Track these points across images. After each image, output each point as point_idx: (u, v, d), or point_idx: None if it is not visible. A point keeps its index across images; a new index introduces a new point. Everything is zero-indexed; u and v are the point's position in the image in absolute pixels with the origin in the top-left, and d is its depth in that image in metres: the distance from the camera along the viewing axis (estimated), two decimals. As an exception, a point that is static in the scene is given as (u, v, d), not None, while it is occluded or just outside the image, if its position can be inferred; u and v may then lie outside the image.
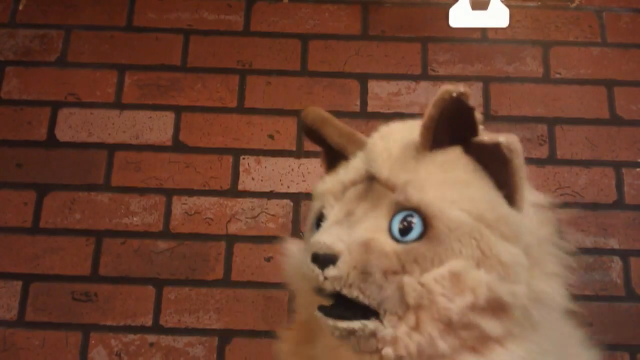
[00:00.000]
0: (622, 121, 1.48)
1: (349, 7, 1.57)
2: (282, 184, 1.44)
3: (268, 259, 1.39)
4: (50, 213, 1.42)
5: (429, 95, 1.50)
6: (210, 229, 1.41)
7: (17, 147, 1.46)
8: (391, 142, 0.70)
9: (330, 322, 0.64)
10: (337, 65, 1.52)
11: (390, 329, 0.63)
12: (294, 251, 0.77)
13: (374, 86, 1.51)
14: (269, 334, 1.30)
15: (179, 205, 1.43)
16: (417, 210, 0.64)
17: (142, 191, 1.44)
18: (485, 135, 0.67)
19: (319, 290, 0.65)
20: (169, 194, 1.44)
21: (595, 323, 1.36)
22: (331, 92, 1.50)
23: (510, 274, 0.63)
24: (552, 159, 1.46)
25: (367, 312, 0.63)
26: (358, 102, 1.49)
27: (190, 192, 1.44)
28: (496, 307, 0.63)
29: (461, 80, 1.51)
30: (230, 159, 1.46)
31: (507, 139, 0.65)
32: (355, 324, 0.63)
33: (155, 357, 1.34)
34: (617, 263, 1.39)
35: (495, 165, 0.66)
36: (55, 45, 1.54)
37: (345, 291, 0.63)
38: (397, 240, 0.64)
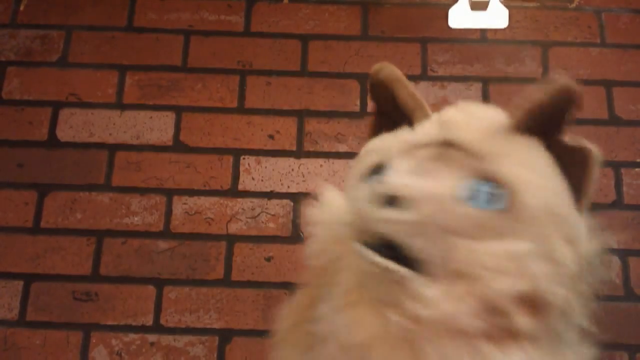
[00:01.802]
0: (621, 121, 1.49)
1: (349, 7, 1.58)
2: (282, 184, 1.45)
3: (268, 259, 1.40)
4: (51, 213, 1.42)
5: (429, 96, 1.50)
6: (211, 229, 1.42)
7: (18, 147, 1.47)
8: (472, 117, 0.69)
9: (371, 254, 0.60)
10: (337, 65, 1.53)
11: (423, 287, 0.59)
12: (332, 199, 0.72)
13: (373, 86, 1.51)
14: (269, 334, 1.30)
15: (180, 205, 1.43)
16: (498, 181, 0.61)
17: (142, 191, 1.44)
18: (569, 137, 0.66)
19: (365, 232, 0.61)
20: (169, 194, 1.44)
21: (594, 323, 1.36)
22: (331, 92, 1.50)
23: (563, 277, 0.62)
24: (551, 159, 1.46)
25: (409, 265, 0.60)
26: (358, 102, 1.50)
27: (191, 192, 1.44)
28: (536, 305, 0.60)
29: (460, 80, 1.51)
30: (231, 159, 1.46)
31: (594, 147, 0.65)
32: (394, 265, 0.59)
33: (155, 357, 1.34)
34: (616, 263, 1.39)
35: (573, 168, 0.66)
36: (56, 46, 1.54)
37: (404, 239, 0.59)
38: (468, 205, 0.61)
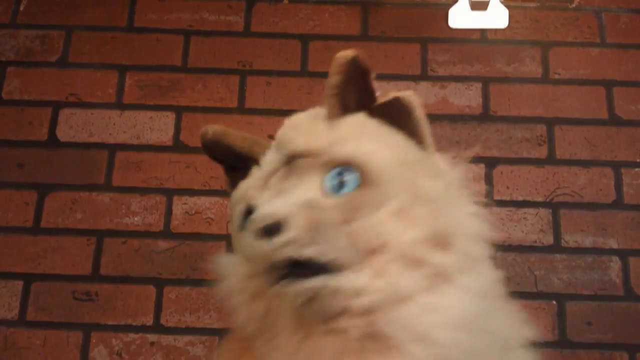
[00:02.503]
0: (621, 121, 1.49)
1: (349, 7, 1.58)
2: (282, 184, 1.45)
3: (268, 259, 1.40)
4: (51, 213, 1.43)
5: (429, 96, 1.50)
6: (211, 229, 1.42)
7: (18, 147, 1.47)
8: (298, 122, 0.72)
9: (293, 286, 0.61)
10: (337, 65, 1.53)
11: (353, 280, 0.61)
12: (227, 263, 0.74)
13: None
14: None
15: (180, 205, 1.43)
16: (347, 164, 0.65)
17: (142, 191, 1.44)
18: (382, 97, 0.71)
19: (270, 269, 0.62)
20: (169, 194, 1.44)
21: (594, 323, 1.36)
22: (331, 93, 1.50)
23: (441, 209, 0.66)
24: (551, 159, 1.46)
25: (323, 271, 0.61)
26: (358, 103, 1.50)
27: (191, 192, 1.44)
28: (440, 241, 0.63)
29: (460, 80, 1.51)
30: (231, 159, 1.46)
31: (403, 93, 0.70)
32: (318, 281, 0.60)
33: (156, 357, 1.34)
34: (616, 263, 1.40)
35: (399, 120, 0.70)
36: (56, 46, 1.54)
37: (300, 254, 0.60)
38: (334, 196, 0.64)
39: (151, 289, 1.38)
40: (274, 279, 0.62)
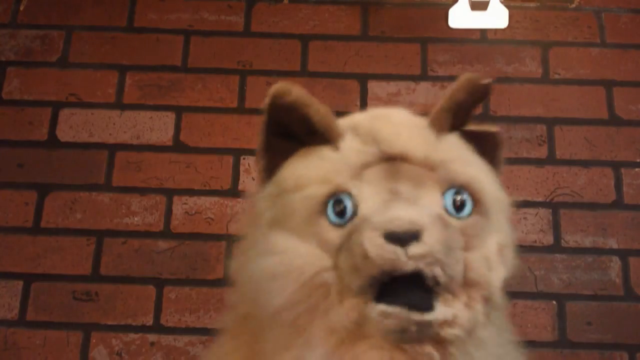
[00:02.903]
0: (621, 121, 1.49)
1: (349, 7, 1.58)
2: (282, 184, 1.44)
3: (268, 259, 1.40)
4: (51, 213, 1.43)
5: (429, 96, 1.50)
6: (211, 229, 1.42)
7: (18, 147, 1.47)
8: (398, 124, 0.68)
9: (415, 316, 0.57)
10: (337, 65, 1.53)
11: (450, 309, 0.59)
12: (288, 245, 0.64)
13: (373, 86, 1.51)
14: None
15: (180, 205, 1.43)
16: (464, 187, 0.64)
17: (142, 191, 1.44)
18: (472, 125, 0.71)
19: (380, 274, 0.58)
20: (169, 194, 1.44)
21: (595, 323, 1.36)
22: (331, 93, 1.51)
23: (513, 251, 0.67)
24: (551, 159, 1.46)
25: (427, 293, 0.59)
26: (358, 103, 1.50)
27: (191, 192, 1.44)
28: (506, 281, 0.66)
29: (461, 80, 1.51)
30: (231, 159, 1.46)
31: (498, 129, 0.72)
32: (438, 314, 0.58)
33: (156, 357, 1.34)
34: (616, 263, 1.40)
35: (487, 152, 0.71)
36: (56, 46, 1.54)
37: (427, 269, 0.58)
38: (453, 217, 0.63)
39: (151, 289, 1.38)
40: (372, 283, 0.59)
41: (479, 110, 1.49)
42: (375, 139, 0.66)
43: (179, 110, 1.50)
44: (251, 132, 1.48)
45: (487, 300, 0.62)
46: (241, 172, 1.45)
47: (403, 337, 0.58)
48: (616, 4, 1.57)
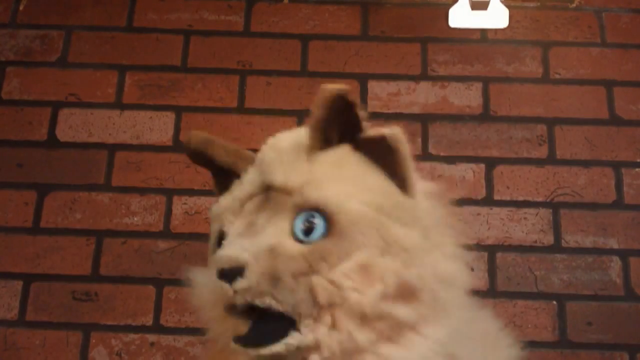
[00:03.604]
0: (621, 121, 1.49)
1: (349, 7, 1.58)
2: (282, 184, 1.44)
3: (268, 259, 1.40)
4: (50, 213, 1.42)
5: (429, 96, 1.50)
6: (211, 229, 1.41)
7: (17, 147, 1.47)
8: (281, 150, 0.70)
9: (251, 351, 0.63)
10: (337, 65, 1.53)
11: (310, 334, 0.62)
12: (201, 279, 0.74)
13: (374, 86, 1.51)
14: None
15: (180, 205, 1.43)
16: (317, 209, 0.64)
17: (142, 191, 1.44)
18: (370, 130, 0.69)
19: (232, 308, 0.63)
20: (169, 194, 1.44)
21: (595, 323, 1.36)
22: (331, 93, 1.50)
23: (414, 258, 0.65)
24: (551, 159, 1.46)
25: (283, 321, 0.62)
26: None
27: (191, 192, 1.44)
28: (405, 293, 0.64)
29: (460, 80, 1.51)
30: (231, 159, 1.46)
31: (391, 130, 0.68)
32: (279, 347, 0.62)
33: (155, 357, 1.34)
34: (616, 263, 1.39)
35: (384, 158, 0.68)
36: (55, 46, 1.54)
37: (257, 301, 0.61)
38: (302, 242, 0.64)
39: (151, 289, 1.38)
40: (235, 320, 0.64)
41: (478, 110, 1.49)
42: (259, 169, 0.70)
43: (178, 110, 1.49)
44: (251, 132, 1.48)
45: (364, 318, 0.62)
46: (241, 172, 1.45)
47: None
48: (616, 4, 1.57)
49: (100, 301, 1.37)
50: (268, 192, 0.67)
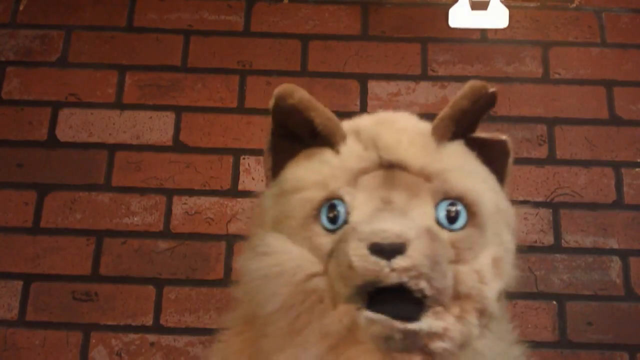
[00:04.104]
0: (621, 121, 1.49)
1: (349, 7, 1.58)
2: (282, 184, 1.44)
3: (268, 259, 1.40)
4: (50, 213, 1.42)
5: (429, 96, 1.50)
6: (211, 229, 1.41)
7: (17, 147, 1.47)
8: (407, 131, 0.69)
9: (398, 325, 0.58)
10: (337, 65, 1.53)
11: (440, 322, 0.59)
12: (282, 247, 0.66)
13: (373, 86, 1.51)
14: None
15: (180, 205, 1.43)
16: (460, 198, 0.64)
17: (142, 191, 1.44)
18: (482, 132, 0.71)
19: (366, 284, 0.58)
20: (169, 194, 1.44)
21: (595, 323, 1.36)
22: (331, 92, 1.50)
23: (512, 261, 0.67)
24: (551, 159, 1.46)
25: (413, 305, 0.59)
26: (358, 103, 1.50)
27: (191, 192, 1.44)
28: (503, 292, 0.66)
29: (460, 80, 1.51)
30: (231, 159, 1.46)
31: (507, 137, 0.71)
32: (418, 325, 0.58)
33: (155, 357, 1.34)
34: (616, 263, 1.39)
35: (494, 160, 0.70)
36: (55, 46, 1.54)
37: (412, 282, 0.58)
38: (444, 229, 0.63)
39: (151, 289, 1.38)
40: (360, 291, 0.59)
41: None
42: (375, 145, 0.66)
43: (178, 110, 1.49)
44: (251, 132, 1.48)
45: (482, 312, 0.62)
46: (241, 172, 1.45)
47: (389, 344, 0.59)
48: (616, 3, 1.57)
49: (100, 301, 1.37)
50: (391, 170, 0.65)
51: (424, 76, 1.52)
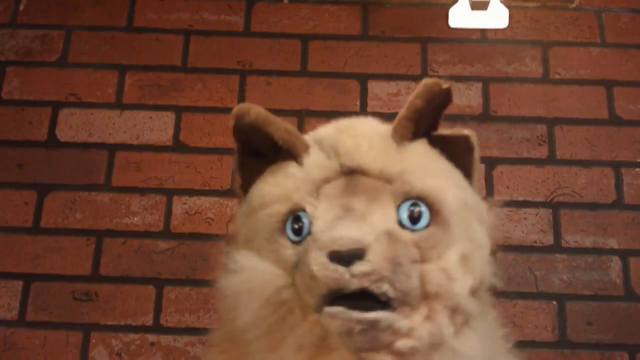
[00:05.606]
0: (621, 121, 1.49)
1: (349, 7, 1.58)
2: (282, 184, 1.44)
3: (268, 259, 1.40)
4: (51, 213, 1.42)
5: (429, 96, 1.50)
6: (211, 229, 1.42)
7: (17, 147, 1.47)
8: (365, 136, 0.68)
9: (351, 315, 0.58)
10: (337, 65, 1.53)
11: (406, 320, 0.60)
12: (250, 263, 0.66)
13: (373, 86, 1.51)
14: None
15: (180, 205, 1.43)
16: (421, 198, 0.64)
17: (142, 191, 1.44)
18: (445, 129, 0.70)
19: (330, 292, 0.59)
20: (169, 194, 1.44)
21: (595, 323, 1.36)
22: (331, 92, 1.50)
23: (485, 256, 0.67)
24: (551, 159, 1.46)
25: (379, 308, 0.60)
26: (358, 103, 1.50)
27: (191, 192, 1.44)
28: (477, 289, 0.64)
29: (460, 80, 1.51)
30: (231, 159, 1.46)
31: (470, 132, 0.70)
32: (379, 315, 0.59)
33: (155, 357, 1.34)
34: (616, 263, 1.39)
35: (458, 156, 0.70)
36: (55, 46, 1.54)
37: (374, 287, 0.58)
38: (407, 230, 0.63)
39: (151, 289, 1.38)
40: (326, 300, 0.59)
41: (478, 110, 1.49)
42: (337, 153, 0.67)
43: (178, 110, 1.50)
44: (251, 132, 1.48)
45: (454, 310, 0.61)
46: (241, 172, 1.45)
47: (353, 341, 0.59)
48: (616, 4, 1.57)
49: (100, 301, 1.37)
50: (352, 176, 0.65)
51: (424, 76, 1.50)
